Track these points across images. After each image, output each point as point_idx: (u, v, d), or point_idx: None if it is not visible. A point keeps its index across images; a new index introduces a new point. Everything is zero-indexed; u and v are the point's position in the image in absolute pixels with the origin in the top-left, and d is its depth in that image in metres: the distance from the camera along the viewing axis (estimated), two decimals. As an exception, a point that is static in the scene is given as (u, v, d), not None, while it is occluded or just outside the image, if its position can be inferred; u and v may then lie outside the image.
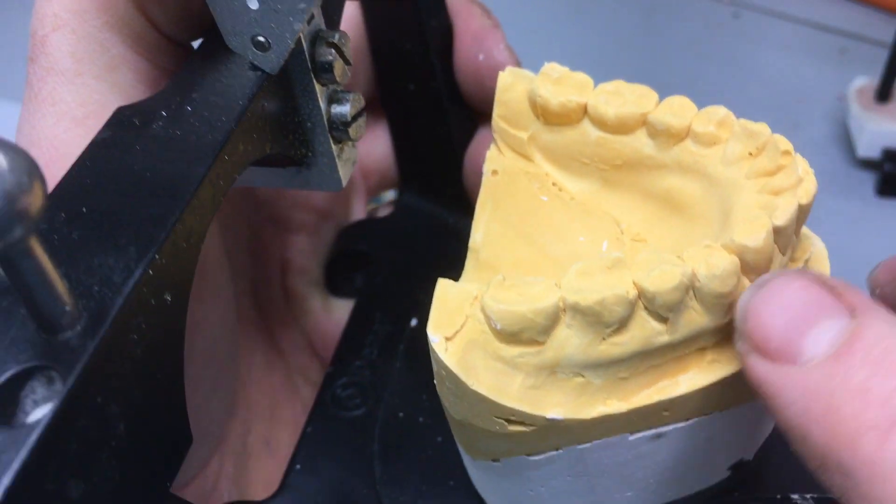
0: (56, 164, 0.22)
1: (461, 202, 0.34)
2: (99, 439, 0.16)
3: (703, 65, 0.78)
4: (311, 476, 0.27)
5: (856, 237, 0.68)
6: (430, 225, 0.35)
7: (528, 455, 0.21)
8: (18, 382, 0.15)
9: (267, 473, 0.30)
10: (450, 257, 0.34)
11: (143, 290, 0.17)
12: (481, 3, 0.33)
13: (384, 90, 0.34)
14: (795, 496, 0.24)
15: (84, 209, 0.18)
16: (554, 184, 0.26)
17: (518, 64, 0.31)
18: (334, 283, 0.35)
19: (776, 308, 0.18)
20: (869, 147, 0.73)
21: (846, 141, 0.77)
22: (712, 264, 0.19)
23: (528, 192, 0.26)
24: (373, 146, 0.35)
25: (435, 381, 0.21)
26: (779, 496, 0.24)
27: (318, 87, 0.23)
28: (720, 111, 0.23)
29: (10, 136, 0.69)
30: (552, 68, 0.25)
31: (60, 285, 0.15)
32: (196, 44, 0.24)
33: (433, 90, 0.32)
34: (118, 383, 0.16)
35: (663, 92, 0.25)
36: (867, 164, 0.75)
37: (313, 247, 0.34)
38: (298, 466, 0.27)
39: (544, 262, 0.24)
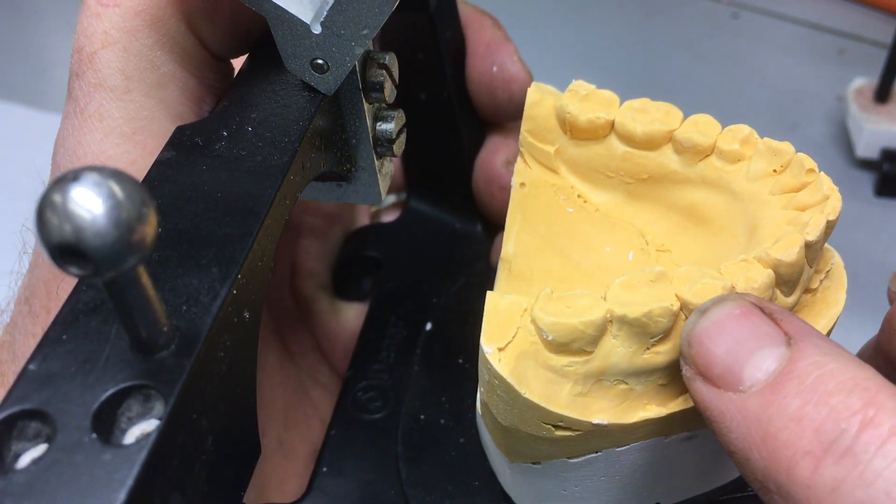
0: None
1: (469, 208, 0.35)
2: (193, 453, 0.16)
3: (702, 65, 0.78)
4: (338, 478, 0.28)
5: (855, 237, 0.69)
6: (437, 230, 0.36)
7: (569, 458, 0.22)
8: (116, 401, 0.16)
9: (281, 473, 0.31)
10: (458, 262, 0.34)
11: (229, 310, 0.17)
12: (491, 15, 0.33)
13: (396, 98, 0.35)
14: None
15: (160, 230, 0.19)
16: (579, 196, 0.28)
17: (530, 75, 0.31)
18: (342, 286, 0.36)
19: (718, 336, 0.18)
20: (867, 147, 0.73)
21: (845, 141, 0.77)
22: (750, 278, 0.20)
23: (555, 203, 0.27)
24: None
25: (482, 390, 0.22)
26: None
27: (366, 105, 0.24)
28: (744, 129, 0.24)
29: (10, 136, 0.68)
30: (580, 86, 0.26)
31: (160, 309, 0.16)
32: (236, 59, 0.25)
33: (444, 99, 0.33)
34: (208, 399, 0.17)
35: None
36: (866, 165, 0.75)
37: (322, 250, 0.35)
38: (325, 469, 0.28)
39: (574, 273, 0.25)
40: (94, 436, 0.15)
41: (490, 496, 0.26)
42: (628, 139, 0.26)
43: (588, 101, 0.26)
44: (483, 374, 0.21)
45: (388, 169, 0.27)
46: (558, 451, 0.22)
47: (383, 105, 0.25)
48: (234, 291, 0.18)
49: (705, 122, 0.25)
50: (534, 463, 0.23)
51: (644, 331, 0.20)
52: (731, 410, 0.18)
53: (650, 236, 0.26)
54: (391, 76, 0.24)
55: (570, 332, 0.20)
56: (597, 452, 0.22)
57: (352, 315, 0.35)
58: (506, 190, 0.32)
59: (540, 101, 0.27)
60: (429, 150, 0.35)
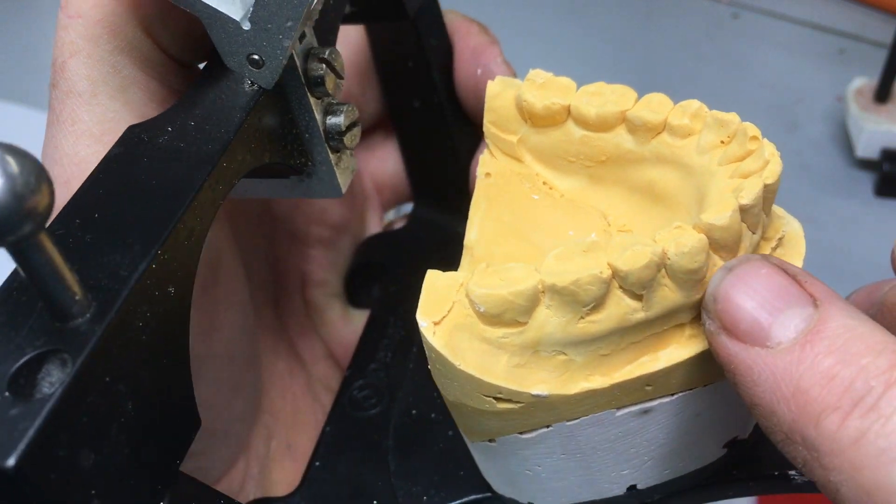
0: (78, 179, 0.23)
1: (469, 211, 0.35)
2: (107, 415, 0.17)
3: (702, 65, 0.78)
4: (330, 472, 0.28)
5: (854, 237, 0.69)
6: (441, 235, 0.36)
7: (521, 433, 0.23)
8: (35, 365, 0.17)
9: (288, 475, 0.31)
10: (458, 264, 0.35)
11: (147, 283, 0.18)
12: (478, 22, 0.34)
13: (392, 107, 0.35)
14: (793, 472, 0.25)
15: (96, 215, 0.20)
16: (544, 183, 0.28)
17: (514, 76, 0.32)
18: (353, 294, 0.36)
19: (746, 293, 0.19)
20: (867, 147, 0.73)
21: (845, 141, 0.77)
22: (681, 243, 0.20)
23: (520, 191, 0.28)
24: (385, 162, 0.37)
25: (429, 367, 0.22)
26: (776, 473, 0.26)
27: (312, 100, 0.25)
28: (693, 104, 0.25)
29: (10, 136, 0.68)
30: (537, 74, 0.27)
31: (70, 277, 0.17)
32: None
33: (436, 106, 0.33)
34: (125, 365, 0.18)
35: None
36: (866, 165, 0.75)
37: (331, 260, 0.35)
38: (318, 464, 0.29)
39: (534, 255, 0.26)
40: (7, 394, 0.16)
41: (473, 484, 0.27)
42: (583, 122, 0.26)
43: (545, 88, 0.27)
44: (426, 351, 0.22)
45: (347, 163, 0.27)
46: (506, 426, 0.22)
47: (332, 100, 0.26)
48: (154, 266, 0.19)
49: (658, 101, 0.25)
50: (489, 441, 0.23)
51: (574, 299, 0.20)
52: (758, 365, 0.19)
53: (612, 217, 0.27)
54: (334, 69, 0.25)
55: (502, 303, 0.20)
56: (547, 427, 0.22)
57: (363, 322, 0.35)
58: None
59: (500, 92, 0.28)
60: (427, 156, 0.36)
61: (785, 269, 0.20)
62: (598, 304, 0.20)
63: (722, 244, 0.21)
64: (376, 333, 0.33)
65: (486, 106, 0.28)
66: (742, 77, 0.79)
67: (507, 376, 0.21)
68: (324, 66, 0.25)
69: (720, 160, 0.23)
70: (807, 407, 0.18)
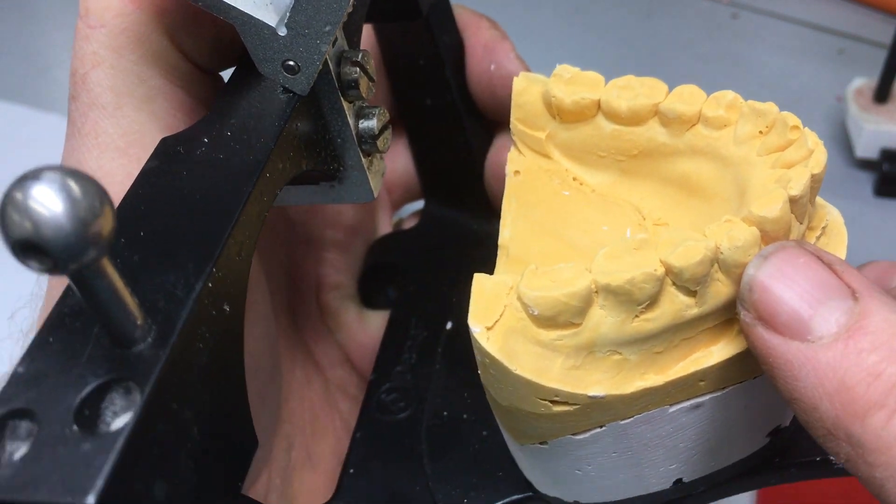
0: None
1: (484, 208, 0.35)
2: (176, 442, 0.17)
3: (701, 65, 0.78)
4: (364, 478, 0.28)
5: (854, 237, 0.68)
6: (455, 232, 0.36)
7: (574, 434, 0.22)
8: (99, 395, 0.16)
9: (310, 485, 0.31)
10: (477, 261, 0.35)
11: (205, 302, 0.18)
12: (488, 17, 0.34)
13: (402, 106, 0.35)
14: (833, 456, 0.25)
15: (141, 233, 0.19)
16: (574, 178, 0.28)
17: (528, 70, 0.32)
18: (368, 296, 0.36)
19: (784, 283, 0.19)
20: (867, 147, 0.73)
21: (844, 141, 0.77)
22: (734, 237, 0.20)
23: (550, 188, 0.27)
24: (394, 161, 0.37)
25: (479, 372, 0.22)
26: (818, 458, 0.26)
27: (345, 104, 0.25)
28: (728, 95, 0.24)
29: (10, 136, 0.68)
30: (564, 69, 0.27)
31: (131, 302, 0.16)
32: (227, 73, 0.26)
33: (449, 103, 0.33)
34: (189, 390, 0.17)
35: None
36: (865, 165, 0.75)
37: (345, 262, 0.35)
38: (351, 471, 0.28)
39: (571, 253, 0.25)
40: (76, 428, 0.15)
41: (513, 484, 0.27)
42: (615, 117, 0.26)
43: (573, 83, 0.26)
44: (477, 356, 0.21)
45: (378, 167, 0.27)
46: (560, 428, 0.22)
47: (364, 103, 0.26)
48: (210, 285, 0.18)
49: (690, 92, 0.25)
50: (541, 443, 0.23)
51: (630, 298, 0.20)
52: (799, 359, 0.18)
53: (646, 211, 0.26)
54: (366, 73, 0.25)
55: (555, 305, 0.20)
56: (601, 427, 0.22)
57: (379, 323, 0.35)
58: None
59: (526, 88, 0.27)
60: (439, 154, 0.35)
61: (821, 258, 0.19)
62: (652, 301, 0.20)
63: (772, 236, 0.20)
64: (399, 335, 0.32)
65: (514, 103, 0.27)
66: (742, 77, 0.79)
67: (563, 378, 0.20)
68: (357, 69, 0.24)
69: (759, 150, 0.23)
70: (852, 404, 0.17)
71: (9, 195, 0.14)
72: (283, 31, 0.22)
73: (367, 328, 0.35)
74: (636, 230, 0.26)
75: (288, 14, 0.21)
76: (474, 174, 0.34)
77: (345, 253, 0.35)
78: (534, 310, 0.20)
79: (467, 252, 0.35)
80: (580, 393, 0.20)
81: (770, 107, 0.23)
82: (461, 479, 0.27)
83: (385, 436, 0.29)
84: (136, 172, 0.23)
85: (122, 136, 0.23)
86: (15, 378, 0.16)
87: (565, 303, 0.19)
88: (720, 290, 0.20)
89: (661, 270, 0.19)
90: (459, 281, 0.33)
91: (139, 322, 0.16)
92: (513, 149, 0.28)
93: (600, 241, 0.26)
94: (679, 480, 0.24)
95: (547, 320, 0.20)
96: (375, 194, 0.27)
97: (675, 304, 0.20)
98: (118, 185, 0.23)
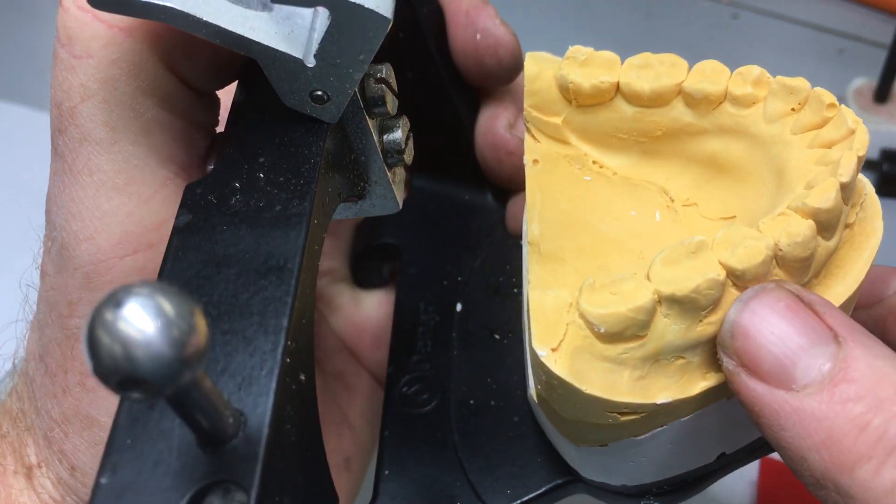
0: (101, 234, 0.22)
1: (476, 179, 0.34)
2: None
3: (702, 65, 0.78)
4: (402, 479, 0.27)
5: (854, 237, 0.68)
6: (448, 206, 0.35)
7: (636, 436, 0.22)
8: (197, 502, 0.15)
9: None
10: (475, 234, 0.34)
11: (286, 380, 0.17)
12: None
13: None
14: None
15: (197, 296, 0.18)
16: (594, 162, 0.27)
17: (515, 36, 0.30)
18: (362, 276, 0.35)
19: (765, 329, 0.18)
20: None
21: (845, 141, 0.77)
22: (793, 232, 0.19)
23: (571, 175, 0.27)
24: None
25: (537, 387, 0.22)
26: None
27: (369, 121, 0.23)
28: (754, 70, 0.24)
29: (10, 136, 0.67)
30: (577, 51, 0.25)
31: (222, 402, 0.15)
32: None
33: (433, 75, 0.32)
34: (286, 475, 0.17)
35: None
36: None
37: (333, 246, 0.34)
38: (387, 472, 0.27)
39: (605, 244, 0.25)
40: None
41: (553, 470, 0.26)
42: (636, 99, 0.25)
43: (588, 65, 0.25)
44: (538, 374, 0.21)
45: (401, 176, 0.26)
46: (625, 433, 0.22)
47: (387, 117, 0.25)
48: (288, 360, 0.17)
49: (713, 69, 0.24)
50: (601, 445, 0.23)
51: (694, 306, 0.19)
52: (785, 409, 0.18)
53: (673, 192, 0.26)
54: (391, 88, 0.24)
55: (621, 321, 0.19)
56: (662, 426, 0.22)
57: (375, 302, 0.34)
58: (514, 155, 0.31)
59: (539, 73, 0.26)
60: (425, 127, 0.34)
61: (802, 298, 0.19)
62: (715, 305, 0.19)
63: (825, 225, 0.20)
64: (409, 323, 0.31)
65: (526, 89, 0.26)
66: (742, 77, 0.79)
67: (631, 391, 0.20)
68: (382, 85, 0.23)
69: (793, 128, 0.22)
70: (840, 456, 0.17)
71: (95, 331, 0.13)
72: (311, 63, 0.20)
73: (362, 309, 0.34)
74: (665, 212, 0.25)
75: (317, 45, 0.20)
76: (463, 145, 0.33)
77: (332, 237, 0.34)
78: (599, 327, 0.19)
79: (464, 225, 0.34)
80: (649, 402, 0.20)
81: (801, 82, 0.22)
82: (501, 470, 0.26)
83: (414, 431, 0.28)
84: (136, 210, 0.22)
85: (119, 173, 0.22)
86: (101, 492, 0.15)
87: (631, 318, 0.19)
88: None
89: (723, 275, 0.19)
90: (459, 257, 0.33)
91: (230, 420, 0.16)
92: (527, 137, 0.27)
93: (631, 227, 0.25)
94: (723, 454, 0.24)
95: (613, 336, 0.20)
96: (401, 205, 0.26)
97: None
98: (118, 225, 0.22)
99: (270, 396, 0.16)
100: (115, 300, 0.12)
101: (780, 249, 0.19)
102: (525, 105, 0.27)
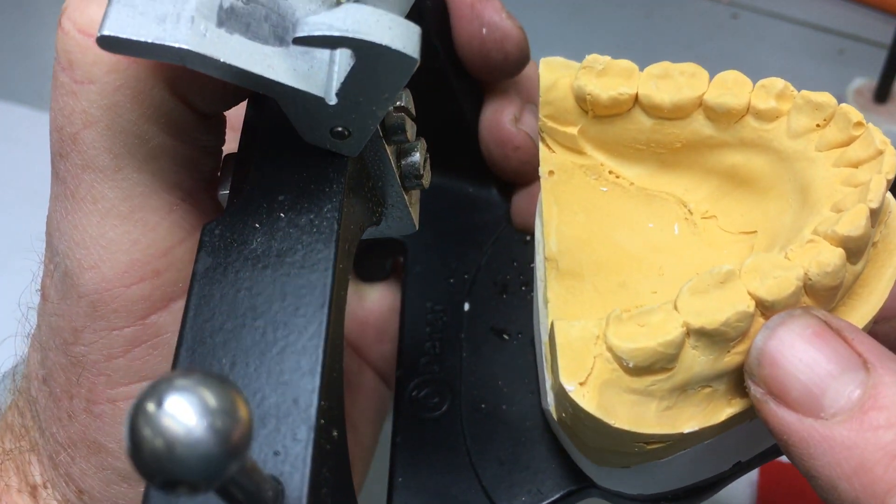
0: (106, 263, 0.21)
1: (480, 173, 0.34)
2: None
3: (702, 65, 0.78)
4: (416, 485, 0.27)
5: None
6: (451, 199, 0.34)
7: (660, 459, 0.22)
8: None
9: None
10: (479, 229, 0.33)
11: (320, 442, 0.17)
12: None
13: None
14: None
15: (224, 361, 0.18)
16: (611, 172, 0.26)
17: (521, 29, 0.30)
18: (364, 269, 0.35)
19: (793, 357, 0.18)
20: (867, 147, 0.73)
21: (845, 141, 0.77)
22: (823, 262, 0.19)
23: (587, 185, 0.26)
24: None
25: (561, 415, 0.21)
26: None
27: (387, 148, 0.23)
28: (777, 83, 0.23)
29: (10, 136, 0.67)
30: (595, 60, 0.25)
31: (262, 477, 0.15)
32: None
33: (437, 70, 0.31)
34: None
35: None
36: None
37: None
38: (400, 479, 0.27)
39: (623, 259, 0.24)
40: None
41: (569, 477, 0.26)
42: (656, 111, 0.24)
43: (606, 75, 0.25)
44: (563, 405, 0.21)
45: (416, 197, 0.25)
46: (649, 457, 0.22)
47: (405, 142, 0.24)
48: (322, 421, 0.17)
49: (734, 80, 0.23)
50: (624, 467, 0.23)
51: (724, 338, 0.19)
52: (814, 437, 0.17)
53: (692, 204, 0.25)
54: (410, 115, 0.23)
55: (651, 356, 0.19)
56: (685, 449, 0.22)
57: (377, 296, 0.34)
58: (520, 150, 0.31)
59: (555, 82, 0.25)
60: (428, 121, 0.34)
61: (830, 324, 0.18)
62: (743, 335, 0.19)
63: (854, 251, 0.20)
64: (417, 323, 0.31)
65: (542, 99, 0.26)
66: (742, 77, 0.79)
67: (659, 422, 0.20)
68: (402, 114, 0.22)
69: (818, 145, 0.22)
70: (872, 486, 0.17)
71: (140, 408, 0.12)
72: (332, 101, 0.19)
73: (365, 303, 0.34)
74: (683, 225, 0.25)
75: (339, 83, 0.19)
76: (468, 138, 0.32)
77: None
78: (628, 362, 0.19)
79: (469, 220, 0.34)
80: (676, 432, 0.20)
81: (827, 98, 0.22)
82: (515, 475, 0.26)
83: (426, 436, 0.28)
84: (142, 238, 0.22)
85: (123, 201, 0.21)
86: None
87: (661, 352, 0.19)
88: None
89: (752, 306, 0.19)
90: (465, 254, 0.32)
91: (270, 493, 0.15)
92: (542, 147, 0.27)
93: (649, 240, 0.25)
94: (738, 462, 0.24)
95: (641, 370, 0.19)
96: (417, 226, 0.25)
97: None
98: (124, 253, 0.21)
99: (307, 465, 0.16)
100: (156, 394, 0.12)
101: (810, 279, 0.19)
102: (540, 115, 0.26)
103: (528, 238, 0.32)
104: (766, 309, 0.19)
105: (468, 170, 0.34)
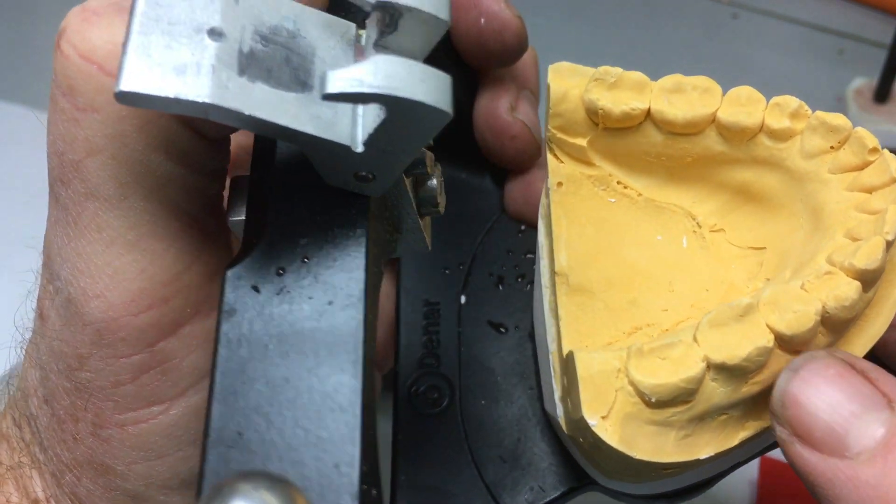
0: (113, 291, 0.21)
1: (473, 161, 0.33)
2: None
3: (701, 65, 0.78)
4: (418, 484, 0.27)
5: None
6: (445, 187, 0.35)
7: (671, 477, 0.22)
8: None
9: None
10: (473, 217, 0.33)
11: None
12: None
13: None
14: None
15: (259, 421, 0.17)
16: (619, 182, 0.26)
17: (520, 18, 0.29)
18: None
19: (816, 397, 0.18)
20: (867, 147, 0.73)
21: (845, 141, 0.77)
22: (841, 297, 0.19)
23: (595, 196, 0.26)
24: None
25: (578, 440, 0.22)
26: None
27: (406, 180, 0.22)
28: (792, 102, 0.23)
29: (10, 136, 0.67)
30: (606, 72, 0.25)
31: None
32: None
33: (430, 57, 0.30)
34: None
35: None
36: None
37: None
38: (403, 477, 0.27)
39: (634, 276, 0.25)
40: None
41: (570, 475, 0.26)
42: (668, 126, 0.24)
43: (618, 88, 0.24)
44: (584, 434, 0.21)
45: (428, 220, 0.25)
46: (662, 477, 0.22)
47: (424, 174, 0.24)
48: (364, 486, 0.16)
49: (748, 97, 0.23)
50: (634, 483, 0.23)
51: (743, 371, 0.19)
52: (840, 478, 0.17)
53: (700, 217, 0.25)
54: (430, 147, 0.23)
55: (673, 391, 0.19)
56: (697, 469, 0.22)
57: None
58: (517, 139, 0.30)
59: (565, 94, 0.25)
60: None
61: (853, 366, 0.19)
62: (761, 367, 0.20)
63: (870, 282, 0.20)
64: (412, 317, 0.31)
65: (552, 111, 0.25)
66: (742, 77, 0.78)
67: (677, 450, 0.20)
68: (423, 148, 0.22)
69: (831, 167, 0.22)
70: None
71: None
72: (359, 149, 0.18)
73: None
74: (692, 238, 0.25)
75: (367, 134, 0.18)
76: (462, 126, 0.32)
77: None
78: (650, 397, 0.20)
79: (463, 207, 0.33)
80: (693, 459, 0.20)
81: (842, 120, 0.22)
82: (517, 473, 0.26)
83: (427, 434, 0.28)
84: (149, 266, 0.21)
85: (130, 229, 0.21)
86: None
87: (683, 388, 0.19)
88: (820, 341, 0.20)
89: (772, 341, 0.19)
90: (462, 242, 0.32)
91: None
92: (550, 157, 0.26)
93: (658, 254, 0.25)
94: (738, 462, 0.24)
95: (663, 403, 0.20)
96: (430, 247, 0.25)
97: (781, 363, 0.20)
98: (131, 282, 0.21)
99: None
100: (220, 498, 0.12)
101: (828, 312, 0.19)
102: (549, 126, 0.26)
103: (523, 227, 0.32)
104: (784, 342, 0.19)
105: (462, 157, 0.34)
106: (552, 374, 0.24)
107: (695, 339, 0.20)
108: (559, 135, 0.26)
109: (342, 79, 0.16)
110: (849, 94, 0.75)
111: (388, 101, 0.16)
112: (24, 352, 0.26)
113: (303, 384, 0.17)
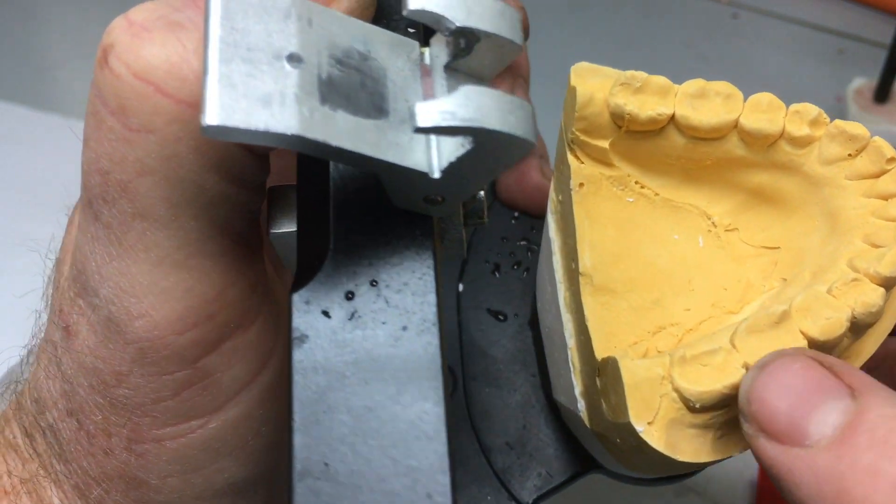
0: (159, 311, 0.21)
1: None
2: None
3: (701, 65, 0.78)
4: None
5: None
6: None
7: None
8: None
9: None
10: (467, 209, 0.33)
11: None
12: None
13: None
14: None
15: (345, 451, 0.17)
16: (636, 182, 0.27)
17: (522, 7, 0.29)
18: None
19: (779, 390, 0.18)
20: (867, 147, 0.73)
21: (845, 141, 0.77)
22: (868, 303, 0.21)
23: (614, 196, 0.27)
24: None
25: (615, 440, 0.22)
26: None
27: None
28: (812, 110, 0.24)
29: (10, 136, 0.67)
30: (632, 77, 0.25)
31: None
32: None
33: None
34: None
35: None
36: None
37: None
38: None
39: (655, 276, 0.26)
40: None
41: (575, 460, 0.27)
42: (692, 131, 0.25)
43: (643, 93, 0.25)
44: (624, 437, 0.22)
45: (469, 229, 0.25)
46: (683, 469, 0.23)
47: None
48: None
49: (769, 104, 0.24)
50: (652, 474, 0.24)
51: None
52: (798, 466, 0.18)
53: (715, 217, 0.26)
54: None
55: (716, 397, 0.20)
56: None
57: None
58: (541, 190, 0.31)
59: (591, 98, 0.25)
60: None
61: (820, 361, 0.19)
62: None
63: (891, 287, 0.21)
64: None
65: (577, 115, 0.26)
66: (742, 77, 0.79)
67: (715, 450, 0.21)
68: None
69: (848, 174, 0.23)
70: None
71: None
72: (436, 176, 0.18)
73: None
74: (707, 238, 0.26)
75: (448, 162, 0.18)
76: None
77: None
78: (695, 404, 0.20)
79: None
80: (728, 456, 0.22)
81: (860, 129, 0.23)
82: (524, 460, 0.27)
83: None
84: (196, 286, 0.21)
85: (178, 249, 0.20)
86: None
87: (726, 394, 0.20)
88: (845, 343, 0.21)
89: (805, 346, 0.20)
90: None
91: None
92: (571, 158, 0.27)
93: (676, 253, 0.26)
94: None
95: (705, 409, 0.21)
96: (466, 255, 0.25)
97: None
98: (177, 301, 0.21)
99: None
100: None
101: (855, 318, 0.21)
102: (574, 129, 0.26)
103: (517, 215, 0.32)
104: (816, 347, 0.21)
105: None
106: (571, 369, 0.25)
107: (733, 346, 0.21)
108: (583, 137, 0.26)
109: (435, 111, 0.16)
110: (849, 94, 0.75)
111: (479, 133, 0.16)
112: (32, 358, 0.25)
113: (386, 413, 0.17)
